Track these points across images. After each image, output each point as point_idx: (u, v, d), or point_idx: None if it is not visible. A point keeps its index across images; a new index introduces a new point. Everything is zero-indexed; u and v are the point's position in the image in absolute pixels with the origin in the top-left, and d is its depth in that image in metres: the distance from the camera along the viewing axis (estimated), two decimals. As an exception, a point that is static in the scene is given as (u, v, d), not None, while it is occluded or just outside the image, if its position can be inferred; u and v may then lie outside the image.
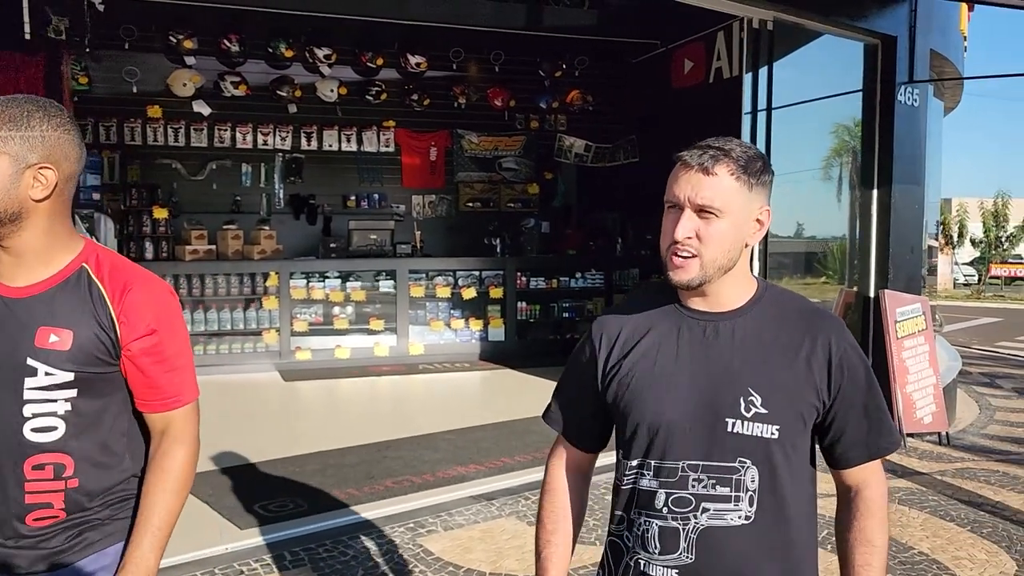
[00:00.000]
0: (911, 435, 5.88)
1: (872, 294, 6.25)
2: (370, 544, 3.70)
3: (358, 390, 7.31)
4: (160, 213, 7.86)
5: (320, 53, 8.35)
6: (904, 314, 5.98)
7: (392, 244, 8.45)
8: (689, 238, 1.41)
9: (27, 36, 5.15)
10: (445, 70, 9.03)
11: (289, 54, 8.23)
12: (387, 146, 9.07)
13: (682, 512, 1.42)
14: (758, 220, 1.46)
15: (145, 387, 1.54)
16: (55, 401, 1.46)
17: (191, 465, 1.58)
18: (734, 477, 1.41)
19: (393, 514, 4.04)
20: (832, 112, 7.14)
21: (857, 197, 6.55)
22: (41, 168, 1.42)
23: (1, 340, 1.45)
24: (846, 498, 1.55)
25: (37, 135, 1.42)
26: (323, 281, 8.00)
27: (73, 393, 1.47)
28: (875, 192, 6.28)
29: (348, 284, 8.08)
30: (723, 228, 1.40)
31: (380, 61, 8.62)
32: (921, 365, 6.00)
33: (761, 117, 6.08)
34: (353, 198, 8.98)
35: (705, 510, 1.41)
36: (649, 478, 1.45)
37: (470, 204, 9.52)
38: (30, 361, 1.44)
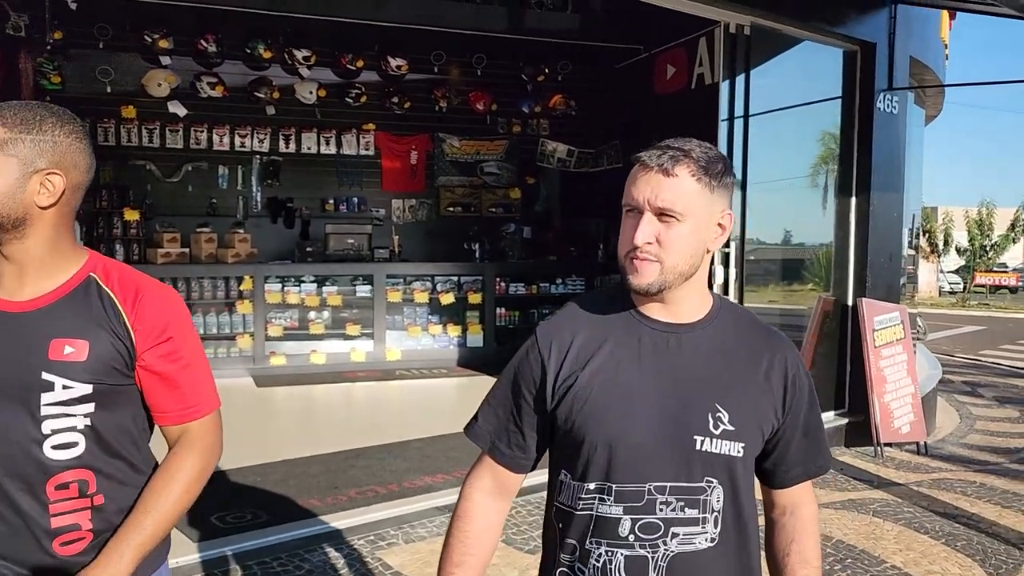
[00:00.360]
0: (888, 445, 5.83)
1: (850, 302, 6.20)
2: (327, 557, 3.59)
3: (332, 396, 7.20)
4: (131, 215, 7.73)
5: (299, 55, 8.24)
6: (882, 323, 5.94)
7: (370, 248, 8.34)
8: (650, 243, 1.33)
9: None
10: (426, 73, 8.93)
11: (267, 55, 8.11)
12: (367, 149, 8.95)
13: (650, 539, 1.33)
14: (720, 224, 1.39)
15: (164, 396, 1.48)
16: (74, 416, 1.40)
17: (201, 474, 1.50)
18: (701, 498, 1.34)
19: (354, 526, 3.94)
20: (819, 119, 7.10)
21: (837, 204, 6.50)
22: (49, 174, 1.38)
23: (10, 358, 1.38)
24: (779, 518, 1.51)
25: (48, 140, 1.38)
26: (299, 285, 7.90)
27: (91, 407, 1.41)
28: (853, 199, 6.23)
29: (324, 289, 7.98)
30: (685, 232, 1.33)
31: (360, 63, 8.52)
32: (899, 374, 5.95)
33: (739, 124, 6.01)
34: (332, 202, 8.86)
35: (675, 535, 1.33)
36: (610, 503, 1.34)
37: (451, 209, 9.42)
38: (45, 376, 1.38)
